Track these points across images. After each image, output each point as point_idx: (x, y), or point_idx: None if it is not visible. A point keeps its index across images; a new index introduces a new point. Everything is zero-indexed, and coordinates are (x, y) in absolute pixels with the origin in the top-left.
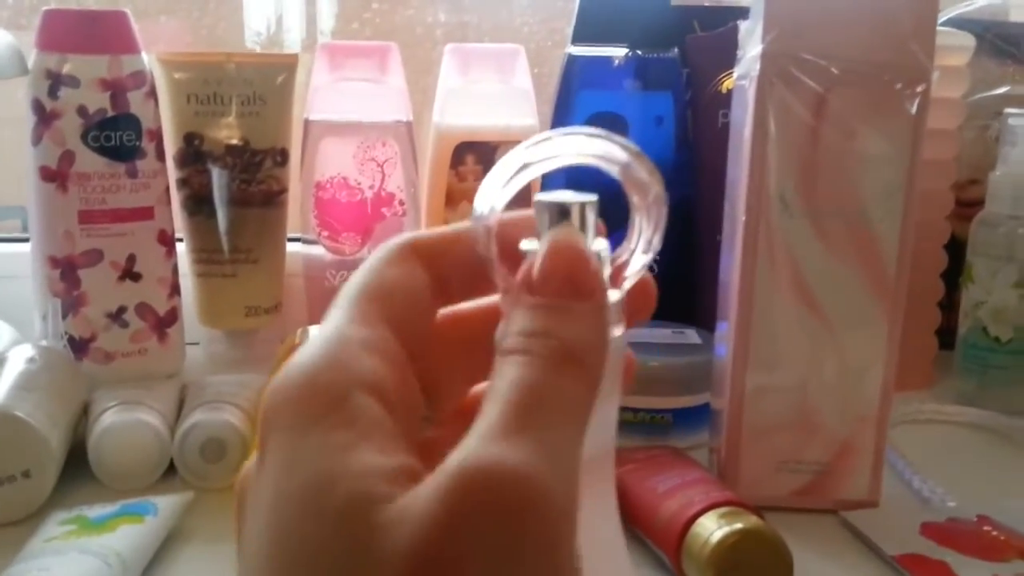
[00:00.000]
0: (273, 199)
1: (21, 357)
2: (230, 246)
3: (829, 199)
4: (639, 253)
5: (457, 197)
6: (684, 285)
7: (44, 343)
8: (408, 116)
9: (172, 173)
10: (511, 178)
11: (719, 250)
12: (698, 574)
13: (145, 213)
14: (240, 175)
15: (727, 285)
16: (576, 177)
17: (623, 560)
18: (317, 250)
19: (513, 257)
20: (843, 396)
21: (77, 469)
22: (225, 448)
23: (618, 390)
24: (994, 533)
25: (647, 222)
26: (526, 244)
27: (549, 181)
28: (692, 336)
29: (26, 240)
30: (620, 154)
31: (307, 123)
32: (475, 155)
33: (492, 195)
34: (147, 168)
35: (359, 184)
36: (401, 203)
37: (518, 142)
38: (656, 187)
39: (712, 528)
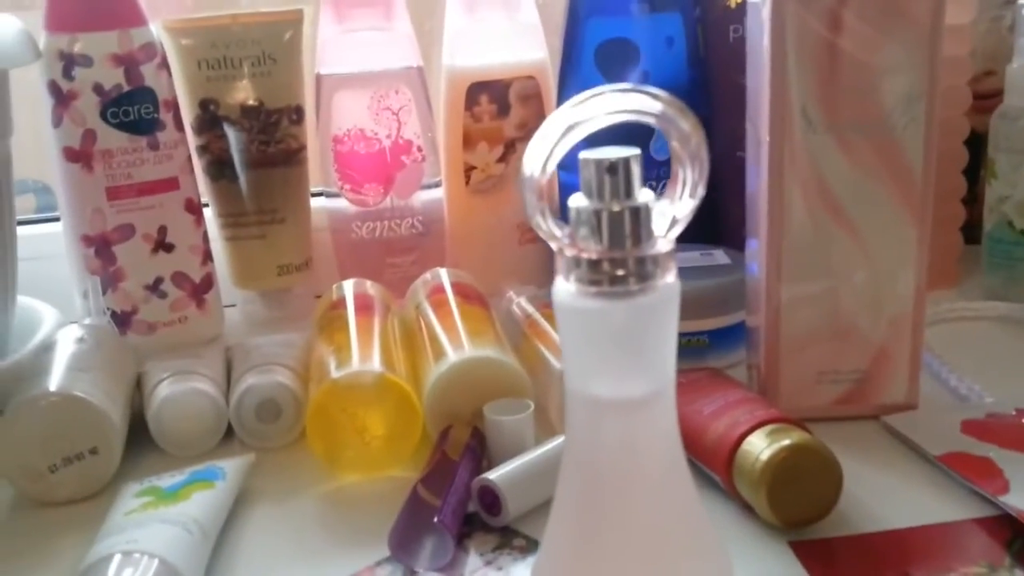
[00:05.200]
0: (293, 157)
1: (70, 338)
2: (255, 208)
3: (851, 112)
4: (686, 198)
5: (475, 138)
6: (708, 206)
7: (88, 321)
8: (418, 61)
9: (191, 140)
10: (557, 141)
11: (740, 168)
12: (751, 491)
13: (170, 184)
14: (258, 136)
15: (755, 204)
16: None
17: (691, 488)
18: (341, 203)
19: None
20: (876, 301)
21: (138, 440)
22: (280, 408)
23: (675, 329)
24: None
25: (690, 168)
26: (575, 200)
27: None
28: (720, 256)
29: (50, 220)
30: (654, 105)
31: (319, 78)
32: (489, 95)
33: (540, 158)
34: (167, 139)
35: (376, 134)
36: (419, 149)
37: (531, 78)
38: (696, 134)
39: (761, 446)
